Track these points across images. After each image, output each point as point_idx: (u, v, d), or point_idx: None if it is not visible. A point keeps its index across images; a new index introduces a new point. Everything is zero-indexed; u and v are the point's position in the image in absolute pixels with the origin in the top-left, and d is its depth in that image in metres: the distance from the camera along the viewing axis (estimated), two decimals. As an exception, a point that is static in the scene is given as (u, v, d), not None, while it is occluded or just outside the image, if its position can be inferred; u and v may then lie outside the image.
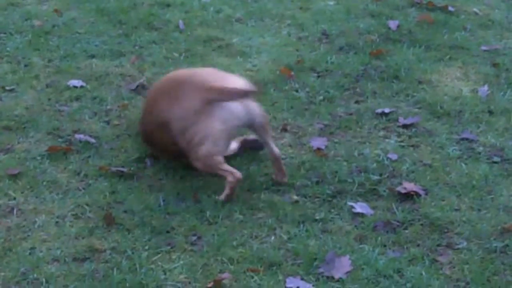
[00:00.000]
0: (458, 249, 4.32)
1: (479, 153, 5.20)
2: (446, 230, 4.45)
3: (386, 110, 5.63)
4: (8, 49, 6.31)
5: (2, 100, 5.58)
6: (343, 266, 4.10)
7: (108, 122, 5.39)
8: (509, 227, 4.48)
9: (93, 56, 6.26)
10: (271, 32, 6.88)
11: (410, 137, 5.37)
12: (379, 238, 4.35)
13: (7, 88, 5.74)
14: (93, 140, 5.12)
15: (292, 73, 6.10)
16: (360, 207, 4.59)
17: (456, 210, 4.62)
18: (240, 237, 4.33)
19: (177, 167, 4.89)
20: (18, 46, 6.35)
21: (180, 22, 6.93)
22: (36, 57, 6.20)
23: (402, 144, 5.29)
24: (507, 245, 4.36)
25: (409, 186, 4.76)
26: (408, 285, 4.03)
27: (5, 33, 6.57)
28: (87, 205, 4.53)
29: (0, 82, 5.82)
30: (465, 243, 4.36)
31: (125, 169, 4.84)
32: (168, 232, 4.34)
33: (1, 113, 5.39)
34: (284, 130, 5.40)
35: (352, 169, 4.95)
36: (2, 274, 3.98)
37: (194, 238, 4.30)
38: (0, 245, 4.18)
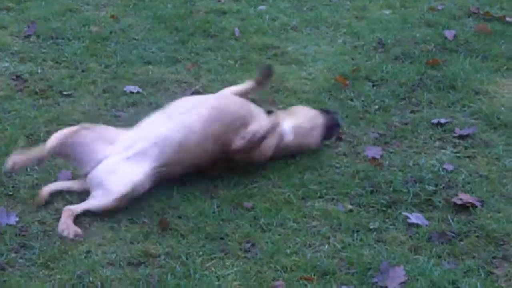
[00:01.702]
0: (514, 261, 4.28)
1: (537, 165, 5.16)
2: (502, 242, 4.40)
3: (442, 120, 5.59)
4: (66, 54, 6.38)
5: (59, 105, 5.64)
6: (397, 276, 4.08)
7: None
8: None
9: (149, 63, 6.30)
10: (327, 41, 6.88)
11: (466, 148, 5.33)
12: (434, 249, 4.32)
13: (65, 93, 5.80)
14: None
15: (348, 81, 6.09)
16: (415, 217, 4.56)
17: (512, 222, 4.58)
18: (294, 245, 4.32)
19: (231, 174, 4.90)
20: (76, 52, 6.41)
21: (236, 29, 6.96)
22: (93, 63, 6.26)
23: (458, 155, 5.25)
24: None
25: (465, 197, 4.72)
26: (463, 297, 4.00)
27: (63, 39, 6.65)
28: (142, 210, 4.55)
29: (58, 87, 5.88)
30: (521, 256, 4.31)
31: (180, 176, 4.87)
32: (222, 238, 4.35)
33: (59, 118, 5.44)
34: (339, 139, 5.38)
35: (407, 179, 4.92)
36: (58, 276, 4.02)
37: (248, 245, 4.31)
38: (56, 248, 4.21)
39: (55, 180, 4.75)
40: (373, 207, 4.68)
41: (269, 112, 5.09)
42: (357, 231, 4.45)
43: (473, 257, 4.28)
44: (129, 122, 5.42)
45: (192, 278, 4.03)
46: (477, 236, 4.44)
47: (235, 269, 4.12)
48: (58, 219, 4.43)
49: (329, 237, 4.40)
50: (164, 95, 5.83)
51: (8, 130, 5.25)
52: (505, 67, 6.40)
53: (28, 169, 4.86)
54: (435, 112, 5.74)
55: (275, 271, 4.13)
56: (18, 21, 6.93)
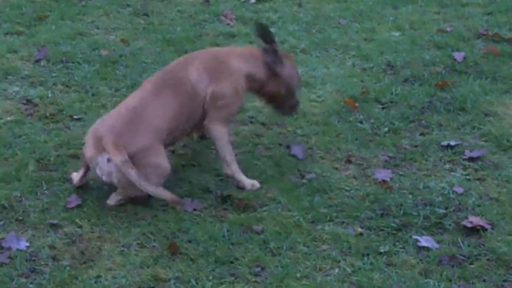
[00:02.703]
0: (525, 285, 4.27)
1: (547, 187, 5.15)
2: (513, 266, 4.40)
3: (452, 143, 5.59)
4: (76, 78, 6.40)
5: (70, 129, 5.65)
6: (408, 300, 4.08)
7: (173, 151, 5.42)
8: None
9: (159, 86, 6.32)
10: (336, 63, 6.89)
11: (476, 170, 5.32)
12: (445, 273, 4.31)
13: (75, 117, 5.81)
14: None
15: (357, 104, 6.10)
16: (425, 240, 4.55)
17: (523, 245, 4.57)
18: (304, 269, 4.32)
19: (242, 197, 4.91)
20: (86, 75, 6.43)
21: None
22: (103, 86, 6.28)
23: (468, 177, 5.24)
24: None
25: (475, 220, 4.71)
26: (474, 321, 3.99)
27: (73, 62, 6.67)
28: (152, 234, 4.55)
29: (68, 111, 5.89)
30: (532, 279, 4.30)
31: (191, 200, 4.87)
32: (231, 262, 4.34)
33: (69, 142, 5.46)
34: (349, 161, 5.39)
35: (417, 202, 4.91)
36: (68, 301, 4.03)
37: (258, 269, 4.30)
38: (66, 272, 4.21)
39: (65, 205, 4.76)
40: (383, 230, 4.67)
41: None
42: (367, 255, 4.44)
43: (484, 281, 4.27)
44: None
45: (202, 303, 4.03)
46: (488, 260, 4.43)
47: (245, 293, 4.13)
48: (68, 244, 4.44)
49: (339, 261, 4.39)
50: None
51: (18, 155, 5.27)
52: (515, 89, 6.41)
53: (38, 193, 4.87)
54: (445, 134, 5.74)
55: (285, 295, 4.13)
56: (28, 45, 6.95)
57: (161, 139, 4.83)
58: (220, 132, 5.06)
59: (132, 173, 4.54)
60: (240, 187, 5.04)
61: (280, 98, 5.31)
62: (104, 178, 4.75)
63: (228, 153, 5.07)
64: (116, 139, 4.64)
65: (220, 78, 5.06)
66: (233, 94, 5.07)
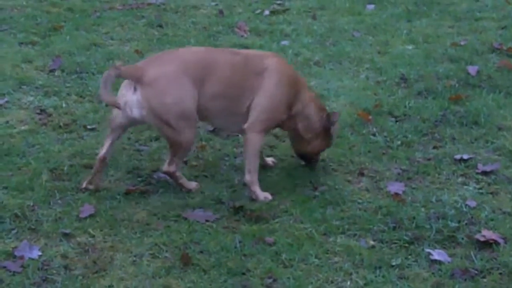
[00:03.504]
0: (538, 299, 4.25)
1: (560, 202, 5.13)
2: (525, 280, 4.39)
3: (465, 156, 5.58)
4: (90, 88, 6.42)
5: (83, 139, 5.67)
6: (420, 313, 4.07)
7: (186, 163, 5.43)
8: None
9: (172, 97, 6.33)
10: (349, 76, 6.90)
11: (489, 184, 5.31)
12: (457, 286, 4.29)
13: (89, 127, 5.83)
14: (171, 180, 5.16)
15: (370, 117, 6.10)
16: (437, 254, 4.54)
17: (536, 259, 4.55)
18: (316, 281, 4.31)
19: (254, 208, 4.91)
20: (100, 86, 6.44)
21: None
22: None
23: (481, 191, 5.23)
24: None
25: (488, 234, 4.70)
26: (486, 334, 3.98)
27: (87, 73, 6.69)
28: (164, 244, 4.55)
29: (82, 121, 5.91)
30: (545, 293, 4.29)
31: (203, 211, 4.88)
32: (243, 274, 4.34)
33: (83, 152, 5.47)
34: (361, 174, 5.39)
35: (430, 215, 4.90)
36: (80, 311, 4.03)
37: (270, 280, 4.29)
38: (78, 282, 4.21)
39: (78, 215, 4.77)
40: (395, 243, 4.66)
41: None
42: (380, 268, 4.43)
43: (497, 294, 4.26)
44: (152, 156, 5.46)
45: (214, 314, 4.03)
46: (500, 273, 4.41)
47: (257, 304, 4.12)
48: (80, 253, 4.45)
49: (351, 274, 4.38)
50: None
51: (32, 164, 5.28)
52: (528, 103, 6.40)
53: (51, 203, 4.89)
54: (458, 148, 5.73)
55: (297, 307, 4.13)
56: (43, 55, 6.98)
57: None
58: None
59: None
60: (253, 198, 5.05)
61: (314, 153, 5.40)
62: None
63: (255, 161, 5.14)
64: None
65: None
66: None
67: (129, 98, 4.89)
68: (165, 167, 5.05)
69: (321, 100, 5.39)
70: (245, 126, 5.08)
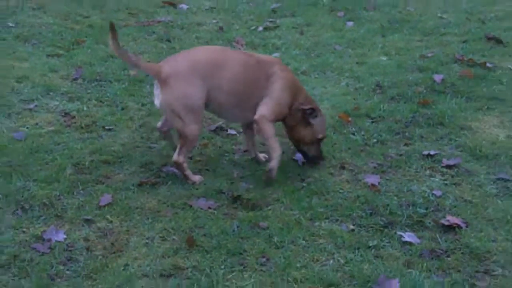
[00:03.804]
0: (494, 275, 4.25)
1: (514, 191, 5.14)
2: (484, 259, 4.38)
3: (432, 152, 5.58)
4: (108, 94, 6.41)
5: (102, 138, 5.66)
6: (393, 287, 4.06)
7: (191, 158, 5.43)
8: (540, 257, 4.40)
9: (179, 102, 6.33)
10: (332, 83, 6.90)
11: (452, 176, 5.31)
12: (425, 264, 4.30)
13: (107, 127, 5.82)
14: (179, 173, 5.16)
15: (350, 118, 6.10)
16: (408, 236, 4.55)
17: (493, 241, 4.55)
18: (303, 260, 4.31)
19: (250, 197, 4.91)
20: (116, 92, 6.45)
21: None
22: (131, 102, 6.29)
23: (446, 182, 5.23)
24: (538, 273, 4.28)
25: (451, 219, 4.71)
26: (450, 306, 3.98)
27: (105, 81, 6.69)
28: (172, 229, 4.55)
29: (100, 122, 5.90)
30: (500, 270, 4.28)
31: (206, 200, 4.87)
32: (241, 254, 4.34)
33: (101, 149, 5.47)
34: (342, 168, 5.39)
35: (401, 203, 4.91)
36: (100, 286, 4.01)
37: (263, 259, 4.29)
38: (99, 261, 4.22)
39: (98, 203, 4.76)
40: (372, 227, 4.66)
41: None
42: (358, 248, 4.44)
43: (459, 271, 4.26)
44: (161, 153, 5.46)
45: (215, 288, 4.03)
46: (462, 253, 4.42)
47: (252, 280, 4.11)
48: (100, 237, 4.44)
49: (333, 253, 4.38)
50: (192, 129, 5.85)
51: (57, 160, 5.28)
52: (486, 107, 6.40)
53: (74, 193, 4.88)
54: (426, 145, 5.74)
55: (287, 282, 4.11)
56: (67, 66, 6.98)
57: None
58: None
59: None
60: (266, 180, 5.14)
61: (305, 143, 5.35)
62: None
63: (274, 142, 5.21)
64: None
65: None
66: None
67: (155, 91, 5.02)
68: (174, 157, 5.07)
69: (313, 100, 5.37)
70: (256, 117, 5.12)
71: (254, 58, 5.21)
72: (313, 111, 5.19)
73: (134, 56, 5.02)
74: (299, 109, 5.18)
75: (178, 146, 5.07)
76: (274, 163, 5.13)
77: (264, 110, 5.11)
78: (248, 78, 5.08)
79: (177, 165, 5.08)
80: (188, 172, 5.12)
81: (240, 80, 5.07)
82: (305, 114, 5.19)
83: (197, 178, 5.13)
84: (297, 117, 5.22)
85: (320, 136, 5.27)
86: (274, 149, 5.14)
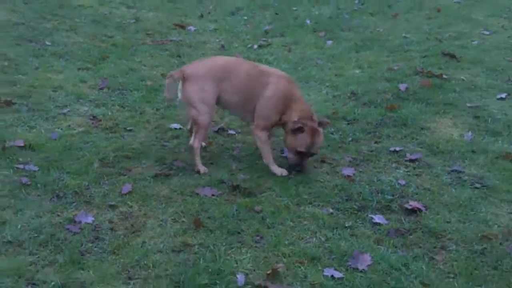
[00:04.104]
0: (449, 250, 4.26)
1: (465, 181, 5.14)
2: (440, 236, 4.40)
3: (397, 149, 5.59)
4: (128, 101, 6.42)
5: (124, 138, 5.66)
6: (365, 261, 4.07)
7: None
8: (487, 235, 4.41)
9: (188, 107, 6.34)
10: (314, 91, 6.90)
11: (414, 168, 5.32)
12: (391, 241, 4.31)
13: (127, 128, 5.83)
14: (187, 166, 5.17)
15: (329, 120, 6.08)
16: (378, 218, 4.56)
17: (447, 222, 4.56)
18: (291, 238, 4.32)
19: (247, 186, 4.91)
20: (135, 99, 6.45)
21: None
22: (148, 107, 6.29)
23: (409, 173, 5.24)
24: (485, 248, 4.29)
25: (413, 204, 4.72)
26: (413, 276, 3.99)
27: (126, 90, 6.69)
28: (182, 212, 4.56)
29: (122, 124, 5.91)
30: (454, 246, 4.30)
31: (210, 188, 4.88)
32: (239, 233, 4.35)
33: (123, 147, 5.47)
34: (323, 162, 5.39)
35: (372, 191, 4.92)
36: (122, 260, 4.02)
37: (258, 237, 4.30)
38: (121, 239, 4.22)
39: (120, 192, 4.76)
40: (347, 211, 4.67)
41: None
42: (336, 228, 4.44)
43: (420, 247, 4.27)
44: (173, 150, 5.46)
45: (218, 262, 4.03)
46: (422, 232, 4.44)
47: (248, 255, 4.12)
48: (122, 219, 4.45)
49: (316, 233, 4.39)
50: (198, 130, 5.85)
51: (86, 155, 5.28)
52: (442, 111, 6.41)
53: (101, 183, 4.88)
54: (392, 142, 5.75)
55: (277, 256, 4.12)
56: (94, 77, 6.98)
57: None
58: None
59: None
60: (271, 173, 5.15)
61: (288, 149, 5.23)
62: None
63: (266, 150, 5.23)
64: None
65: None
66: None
67: (179, 87, 5.12)
68: (191, 142, 5.21)
69: (312, 113, 5.20)
70: (252, 127, 5.21)
71: (257, 68, 5.21)
72: (299, 129, 5.09)
73: (170, 77, 5.16)
74: (291, 121, 5.14)
75: (194, 134, 5.16)
76: (270, 167, 5.18)
77: (256, 119, 5.13)
78: (248, 85, 5.11)
79: (192, 149, 5.16)
80: (198, 159, 5.16)
81: (242, 86, 5.11)
82: (293, 127, 5.14)
83: (202, 168, 5.14)
84: (288, 126, 5.18)
85: (299, 149, 5.12)
86: (264, 156, 5.17)
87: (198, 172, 5.10)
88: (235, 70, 5.15)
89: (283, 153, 5.51)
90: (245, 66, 5.22)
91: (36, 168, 5.01)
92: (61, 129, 5.75)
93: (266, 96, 5.10)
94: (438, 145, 5.69)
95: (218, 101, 5.17)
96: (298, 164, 5.18)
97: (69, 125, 5.83)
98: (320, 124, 5.13)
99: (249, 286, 3.85)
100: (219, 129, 5.91)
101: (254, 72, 5.16)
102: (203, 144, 5.49)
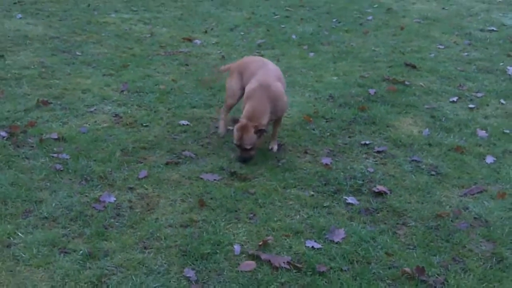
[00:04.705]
0: (409, 226, 4.28)
1: (423, 169, 5.15)
2: (402, 215, 4.41)
3: (367, 142, 5.59)
4: (145, 101, 6.39)
5: (141, 132, 5.64)
6: (340, 234, 4.09)
7: (202, 145, 5.42)
8: (440, 214, 4.43)
9: (194, 107, 6.31)
10: (299, 95, 6.88)
11: (381, 158, 5.32)
12: (362, 218, 4.32)
13: (144, 124, 5.80)
14: (193, 156, 5.15)
15: (311, 119, 6.09)
16: (351, 199, 4.56)
17: (408, 203, 4.57)
18: (279, 215, 4.32)
19: (242, 172, 4.90)
20: (151, 100, 6.43)
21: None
22: (161, 107, 6.27)
23: (376, 162, 5.24)
24: (439, 224, 4.31)
25: (380, 188, 4.72)
26: (379, 247, 4.00)
27: (143, 92, 6.65)
28: (189, 194, 4.55)
29: (140, 121, 5.88)
30: (413, 223, 4.31)
31: (212, 174, 4.87)
32: (236, 211, 4.35)
33: (140, 139, 5.45)
34: (305, 152, 5.38)
35: (346, 177, 4.92)
36: (139, 233, 4.02)
37: (251, 215, 4.30)
38: (138, 216, 4.22)
39: (137, 176, 4.75)
40: (325, 193, 4.68)
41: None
42: (316, 207, 4.45)
43: (385, 223, 4.28)
44: (182, 142, 5.44)
45: (218, 234, 4.03)
46: (387, 211, 4.45)
47: (243, 229, 4.12)
48: (139, 199, 4.44)
49: (299, 211, 4.40)
50: (203, 126, 5.83)
51: (110, 147, 5.26)
52: (404, 111, 6.41)
53: (121, 169, 4.87)
54: (363, 137, 5.74)
55: (267, 230, 4.13)
56: (116, 82, 6.95)
57: None
58: None
59: None
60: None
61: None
62: None
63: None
64: None
65: None
66: None
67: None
68: (221, 111, 5.56)
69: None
70: None
71: (265, 69, 5.27)
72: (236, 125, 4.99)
73: (217, 69, 5.40)
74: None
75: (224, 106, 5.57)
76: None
77: None
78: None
79: (220, 114, 5.60)
80: (222, 122, 5.54)
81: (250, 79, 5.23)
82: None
83: (223, 130, 5.53)
84: None
85: (234, 141, 5.02)
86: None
87: (218, 132, 5.52)
88: (250, 66, 5.38)
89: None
90: (257, 64, 5.39)
91: (68, 157, 4.99)
92: (89, 124, 5.73)
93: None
94: (400, 140, 5.69)
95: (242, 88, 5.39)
96: (238, 156, 5.05)
97: (96, 121, 5.81)
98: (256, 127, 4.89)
99: (244, 255, 3.86)
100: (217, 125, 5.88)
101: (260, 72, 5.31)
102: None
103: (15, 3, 10.22)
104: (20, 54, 7.62)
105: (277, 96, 5.06)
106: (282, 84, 5.27)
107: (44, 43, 8.16)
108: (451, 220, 4.37)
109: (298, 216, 4.33)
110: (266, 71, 5.21)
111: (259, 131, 4.91)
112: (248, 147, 4.96)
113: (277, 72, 5.34)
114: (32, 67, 7.17)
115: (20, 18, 9.28)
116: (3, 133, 5.30)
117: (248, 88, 5.13)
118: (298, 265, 3.77)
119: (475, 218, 4.43)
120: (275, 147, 5.33)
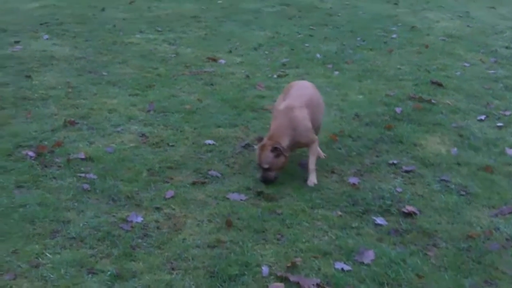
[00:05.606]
0: (440, 247, 4.21)
1: (452, 189, 5.08)
2: (432, 235, 4.35)
3: (395, 161, 5.54)
4: (170, 121, 6.40)
5: (167, 151, 5.65)
6: (369, 256, 4.03)
7: (228, 165, 5.41)
8: (471, 235, 4.36)
9: (219, 126, 6.31)
10: (324, 114, 6.83)
11: (409, 178, 5.27)
12: (391, 240, 4.27)
13: (170, 144, 5.82)
14: (219, 175, 5.14)
15: (337, 138, 6.06)
16: (379, 220, 4.51)
17: (438, 223, 4.51)
18: (307, 236, 4.28)
19: (269, 192, 4.87)
20: (176, 120, 6.44)
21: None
22: (187, 126, 6.28)
23: (405, 182, 5.19)
24: (470, 245, 4.24)
25: (409, 208, 4.67)
26: (409, 269, 3.94)
27: (169, 112, 6.68)
28: (216, 214, 4.53)
29: (166, 140, 5.88)
30: (444, 244, 4.24)
31: (239, 194, 4.85)
32: (263, 231, 4.32)
33: (167, 159, 5.46)
34: (333, 172, 5.35)
35: (374, 197, 4.87)
36: (166, 253, 4.01)
37: (279, 236, 4.27)
38: (165, 236, 4.21)
39: (164, 196, 4.74)
40: (354, 213, 4.63)
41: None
42: (345, 228, 4.41)
43: (415, 245, 4.23)
44: (207, 161, 5.44)
45: (246, 255, 4.00)
46: (417, 232, 4.39)
47: (271, 250, 4.09)
48: (166, 219, 4.43)
49: (327, 232, 4.36)
50: (228, 145, 5.83)
51: (136, 166, 5.27)
52: (431, 130, 6.35)
53: (148, 189, 4.87)
54: (390, 156, 5.69)
55: (296, 252, 4.09)
56: (143, 102, 6.99)
57: None
58: None
59: None
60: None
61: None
62: None
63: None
64: None
65: None
66: None
67: None
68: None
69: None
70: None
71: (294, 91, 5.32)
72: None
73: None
74: None
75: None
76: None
77: None
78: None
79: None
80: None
81: None
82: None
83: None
84: None
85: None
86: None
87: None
88: (291, 89, 5.37)
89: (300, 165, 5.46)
90: (297, 92, 5.34)
91: (95, 177, 5.01)
92: (115, 144, 5.76)
93: None
94: (428, 159, 5.62)
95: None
96: (260, 176, 5.03)
97: (122, 141, 5.84)
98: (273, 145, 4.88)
99: (272, 276, 3.82)
100: (245, 144, 5.87)
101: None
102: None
103: (41, 24, 10.39)
104: (46, 74, 7.72)
105: (297, 120, 5.00)
106: (317, 110, 5.29)
107: (70, 63, 8.26)
108: (482, 241, 4.29)
109: (326, 237, 4.28)
110: (297, 95, 5.20)
111: (275, 150, 4.86)
112: (265, 166, 4.91)
113: (310, 97, 5.27)
114: (59, 87, 7.25)
115: (47, 39, 9.42)
116: (31, 153, 5.35)
117: (274, 109, 5.16)
118: (327, 287, 3.71)
119: (506, 239, 4.34)
120: (312, 180, 5.01)
